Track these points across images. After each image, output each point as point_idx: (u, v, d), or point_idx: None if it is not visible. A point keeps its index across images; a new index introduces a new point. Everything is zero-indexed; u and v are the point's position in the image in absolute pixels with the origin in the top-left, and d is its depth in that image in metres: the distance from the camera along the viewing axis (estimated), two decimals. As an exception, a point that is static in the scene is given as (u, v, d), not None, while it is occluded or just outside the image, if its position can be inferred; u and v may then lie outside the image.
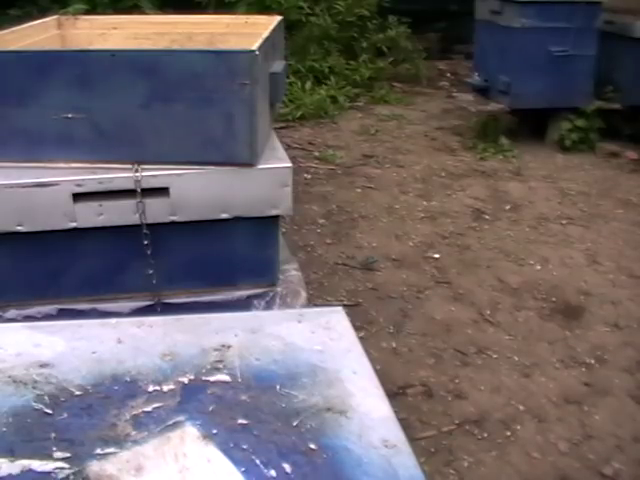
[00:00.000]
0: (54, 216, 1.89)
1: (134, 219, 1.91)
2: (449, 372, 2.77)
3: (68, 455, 0.90)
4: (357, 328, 1.29)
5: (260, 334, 1.17)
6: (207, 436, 0.93)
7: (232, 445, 0.91)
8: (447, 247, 3.77)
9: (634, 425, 2.50)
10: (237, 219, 1.99)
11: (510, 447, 2.40)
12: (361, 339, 1.18)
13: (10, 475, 0.86)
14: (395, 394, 2.58)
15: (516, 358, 2.86)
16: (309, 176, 4.66)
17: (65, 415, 0.97)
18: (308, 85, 6.09)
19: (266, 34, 2.02)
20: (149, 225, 1.92)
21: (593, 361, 2.85)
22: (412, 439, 2.17)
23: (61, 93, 1.86)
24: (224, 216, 1.97)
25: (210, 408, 0.99)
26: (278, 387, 1.03)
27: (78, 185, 1.88)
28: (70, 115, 1.86)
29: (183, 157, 1.92)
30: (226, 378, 1.05)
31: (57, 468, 0.88)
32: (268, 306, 2.08)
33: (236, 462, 0.88)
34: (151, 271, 1.98)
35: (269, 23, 2.27)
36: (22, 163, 1.92)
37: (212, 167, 1.93)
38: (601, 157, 5.06)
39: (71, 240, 1.95)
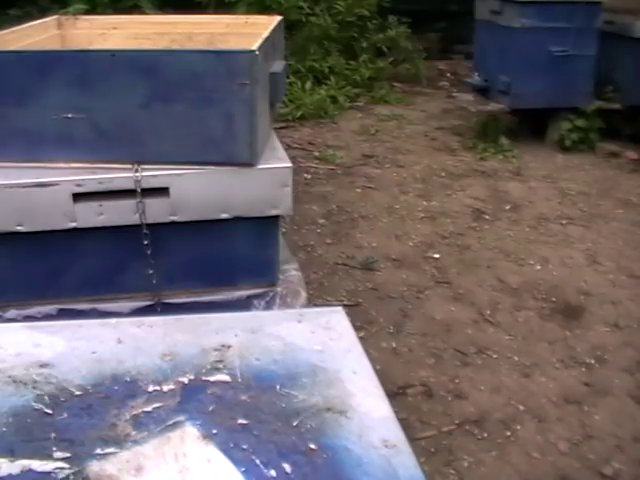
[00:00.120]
0: (54, 216, 1.89)
1: (134, 219, 1.91)
2: (449, 372, 2.77)
3: (68, 455, 0.90)
4: (357, 328, 1.29)
5: (260, 334, 1.17)
6: (207, 436, 0.93)
7: (232, 445, 0.91)
8: (447, 247, 3.77)
9: (634, 425, 2.50)
10: (237, 219, 1.99)
11: (510, 447, 2.40)
12: (361, 339, 1.18)
13: (10, 475, 0.86)
14: (395, 394, 2.58)
15: (516, 358, 2.86)
16: (309, 176, 4.66)
17: (65, 415, 0.97)
18: (308, 85, 6.08)
19: (266, 34, 2.02)
20: (149, 225, 1.92)
21: (593, 361, 2.85)
22: (412, 439, 2.17)
23: (61, 93, 1.86)
24: (224, 216, 1.97)
25: (210, 408, 0.99)
26: (278, 387, 1.03)
27: (78, 185, 1.88)
28: (70, 115, 1.86)
29: (183, 157, 1.92)
30: (226, 378, 1.05)
31: (57, 468, 0.88)
32: (268, 306, 2.08)
33: (236, 462, 0.88)
34: (151, 271, 1.98)
35: (269, 23, 2.27)
36: (22, 163, 1.92)
37: (212, 167, 1.93)
38: (601, 157, 5.06)
39: (71, 240, 1.95)
